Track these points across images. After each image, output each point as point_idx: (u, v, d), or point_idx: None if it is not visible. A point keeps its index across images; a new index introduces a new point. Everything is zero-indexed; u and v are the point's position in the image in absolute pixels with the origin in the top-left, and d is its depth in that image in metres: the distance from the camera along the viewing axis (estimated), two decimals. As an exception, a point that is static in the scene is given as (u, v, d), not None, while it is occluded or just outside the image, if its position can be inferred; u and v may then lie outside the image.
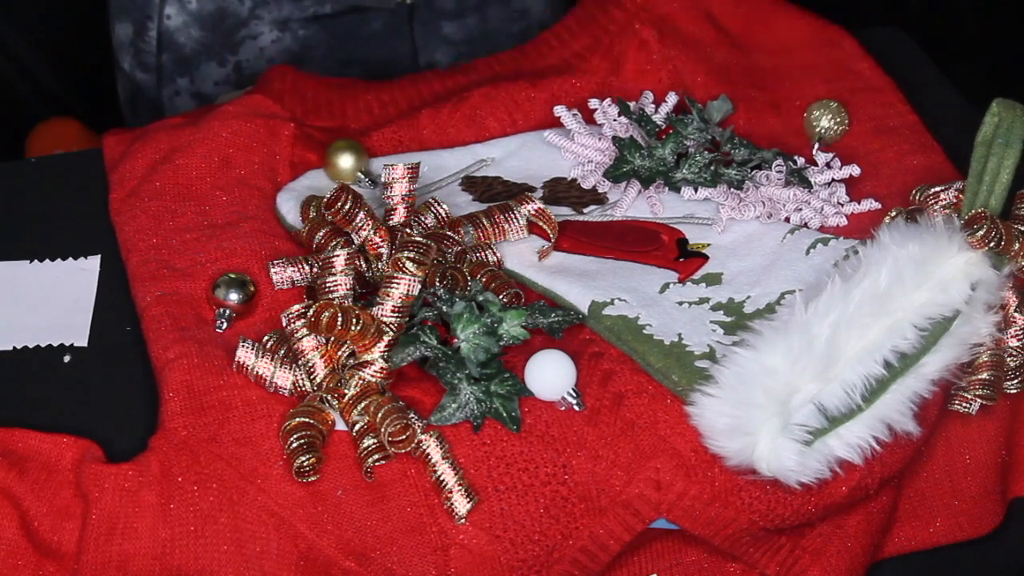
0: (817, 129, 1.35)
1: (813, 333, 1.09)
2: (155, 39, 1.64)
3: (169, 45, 1.63)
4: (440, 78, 1.43)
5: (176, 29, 1.63)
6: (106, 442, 1.13)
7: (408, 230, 1.21)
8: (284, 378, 1.13)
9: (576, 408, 1.13)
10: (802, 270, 1.21)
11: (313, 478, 1.09)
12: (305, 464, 1.08)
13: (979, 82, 2.05)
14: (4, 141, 2.02)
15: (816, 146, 1.34)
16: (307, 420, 1.10)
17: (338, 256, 1.15)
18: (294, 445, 1.09)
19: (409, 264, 1.12)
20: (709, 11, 1.46)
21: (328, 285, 1.15)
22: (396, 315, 1.12)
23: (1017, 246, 1.17)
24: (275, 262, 1.21)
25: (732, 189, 1.28)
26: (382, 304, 1.12)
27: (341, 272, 1.15)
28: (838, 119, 1.35)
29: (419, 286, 1.13)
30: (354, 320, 1.10)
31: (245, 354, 1.13)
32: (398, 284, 1.12)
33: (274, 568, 1.08)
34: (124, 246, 1.27)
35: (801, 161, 1.32)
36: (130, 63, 1.67)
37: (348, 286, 1.15)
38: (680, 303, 1.19)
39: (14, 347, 1.22)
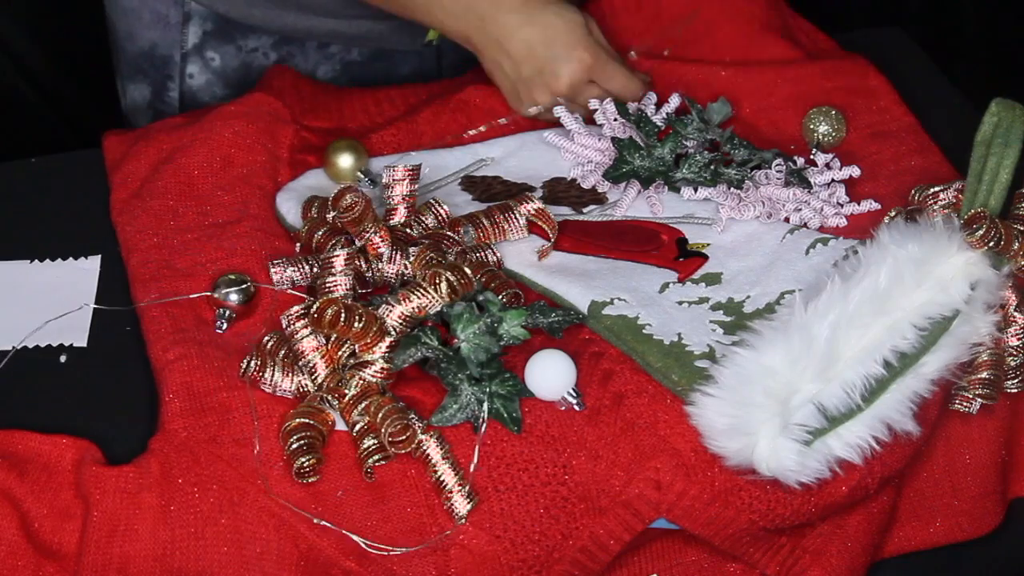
0: (815, 135, 1.35)
1: (813, 333, 1.09)
2: (177, 100, 1.56)
3: (192, 105, 1.56)
4: (441, 83, 1.43)
5: (199, 88, 1.55)
6: (106, 443, 1.13)
7: (408, 230, 1.22)
8: (287, 383, 1.13)
9: (576, 408, 1.13)
10: (802, 270, 1.21)
11: (313, 479, 1.09)
12: (305, 465, 1.08)
13: (979, 82, 2.05)
14: (4, 141, 2.02)
15: (814, 151, 1.34)
16: (307, 421, 1.10)
17: (338, 256, 1.15)
18: (294, 446, 1.09)
19: (444, 286, 1.12)
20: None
21: (328, 285, 1.15)
22: (402, 322, 1.12)
23: (1016, 246, 1.17)
24: (275, 262, 1.21)
25: (732, 189, 1.28)
26: (392, 306, 1.12)
27: (341, 272, 1.15)
28: (836, 125, 1.35)
29: (438, 308, 1.13)
30: (357, 317, 1.10)
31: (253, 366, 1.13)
32: (420, 296, 1.12)
33: (275, 569, 1.08)
34: (124, 246, 1.27)
35: (801, 161, 1.32)
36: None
37: (348, 286, 1.15)
38: (680, 303, 1.19)
39: (14, 347, 1.22)
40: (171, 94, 1.55)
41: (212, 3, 1.48)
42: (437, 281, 1.13)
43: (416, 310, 1.13)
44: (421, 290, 1.13)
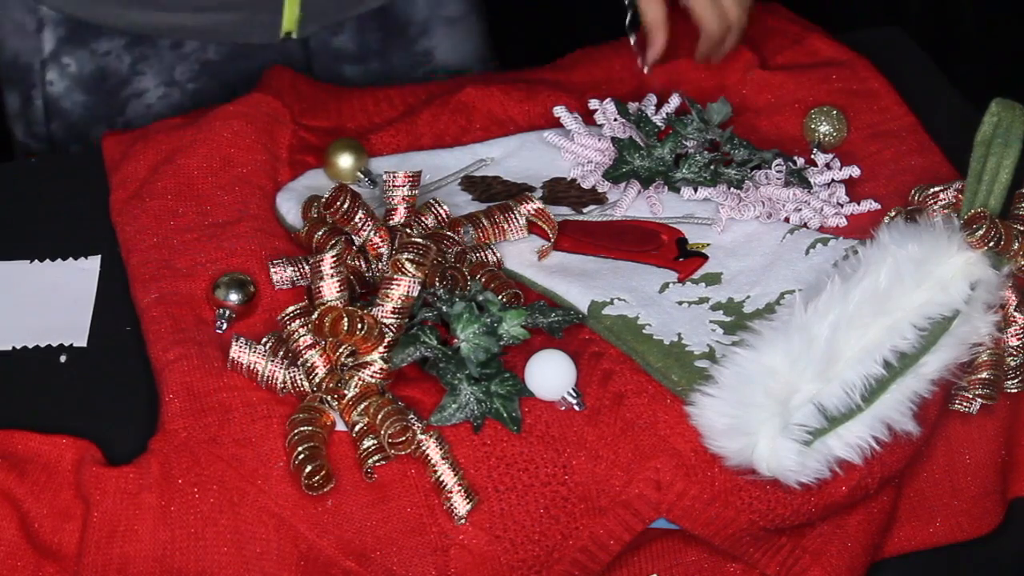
0: (816, 135, 1.35)
1: (813, 333, 1.09)
2: (42, 108, 1.54)
3: (56, 113, 1.53)
4: (439, 84, 1.44)
5: (60, 95, 1.53)
6: (106, 443, 1.13)
7: (408, 230, 1.21)
8: (277, 373, 1.13)
9: (576, 408, 1.13)
10: (802, 270, 1.21)
11: (325, 489, 1.09)
12: (315, 481, 1.08)
13: (979, 82, 2.05)
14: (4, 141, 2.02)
15: (814, 151, 1.34)
16: (309, 429, 1.09)
17: (324, 260, 1.13)
18: (299, 458, 1.08)
19: (408, 265, 1.12)
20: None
21: (320, 289, 1.14)
22: (396, 316, 1.12)
23: (1016, 246, 1.17)
24: (275, 262, 1.21)
25: (732, 189, 1.28)
26: (382, 305, 1.12)
27: (329, 276, 1.13)
28: (837, 125, 1.35)
29: (419, 287, 1.12)
30: (359, 324, 1.10)
31: (239, 351, 1.13)
32: (398, 285, 1.12)
33: (275, 569, 1.08)
34: (124, 246, 1.27)
35: (801, 161, 1.32)
36: (23, 133, 1.57)
37: (337, 290, 1.13)
38: (680, 303, 1.19)
39: (13, 347, 1.22)
40: (36, 102, 1.54)
41: (57, 3, 1.47)
42: (400, 267, 1.12)
43: (401, 300, 1.12)
44: (394, 282, 1.12)
